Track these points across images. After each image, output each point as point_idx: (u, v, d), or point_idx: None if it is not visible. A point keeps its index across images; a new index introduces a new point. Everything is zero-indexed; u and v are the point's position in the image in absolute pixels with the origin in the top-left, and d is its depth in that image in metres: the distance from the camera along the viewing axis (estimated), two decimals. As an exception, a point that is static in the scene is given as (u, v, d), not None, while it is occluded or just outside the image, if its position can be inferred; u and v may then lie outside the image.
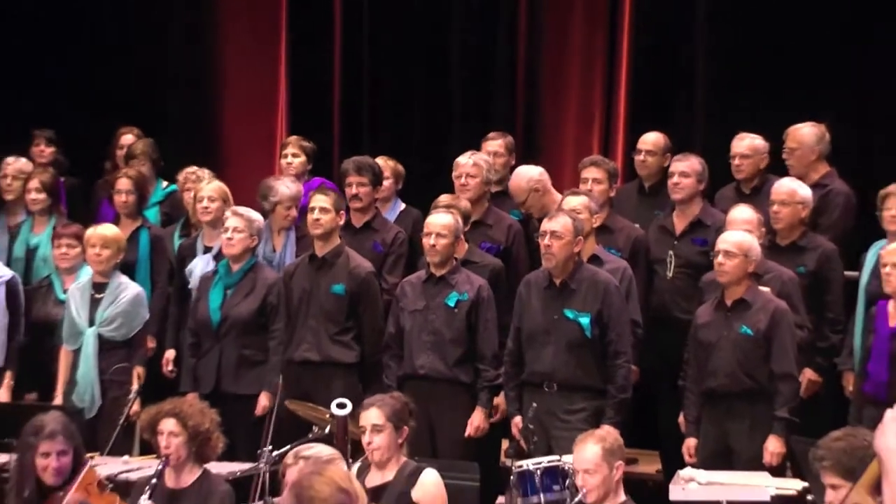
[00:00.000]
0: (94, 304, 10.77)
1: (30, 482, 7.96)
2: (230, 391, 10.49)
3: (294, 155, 12.14)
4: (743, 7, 13.09)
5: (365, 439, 8.23)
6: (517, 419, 9.98)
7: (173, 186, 12.30)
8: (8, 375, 10.89)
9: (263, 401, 10.40)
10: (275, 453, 8.37)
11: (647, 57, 13.63)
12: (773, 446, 9.54)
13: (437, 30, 14.11)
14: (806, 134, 11.23)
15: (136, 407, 10.08)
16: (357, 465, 8.25)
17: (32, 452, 7.92)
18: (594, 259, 10.39)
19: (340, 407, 8.82)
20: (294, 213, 11.23)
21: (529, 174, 11.43)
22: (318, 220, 10.49)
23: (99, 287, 10.81)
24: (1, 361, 10.91)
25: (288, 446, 8.12)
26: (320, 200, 10.54)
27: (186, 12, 14.95)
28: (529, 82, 13.96)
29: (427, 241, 10.27)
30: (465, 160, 11.26)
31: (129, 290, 10.85)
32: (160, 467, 8.31)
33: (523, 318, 10.14)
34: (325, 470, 6.36)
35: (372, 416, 8.20)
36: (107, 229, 10.93)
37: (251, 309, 10.57)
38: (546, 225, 10.05)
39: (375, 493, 7.94)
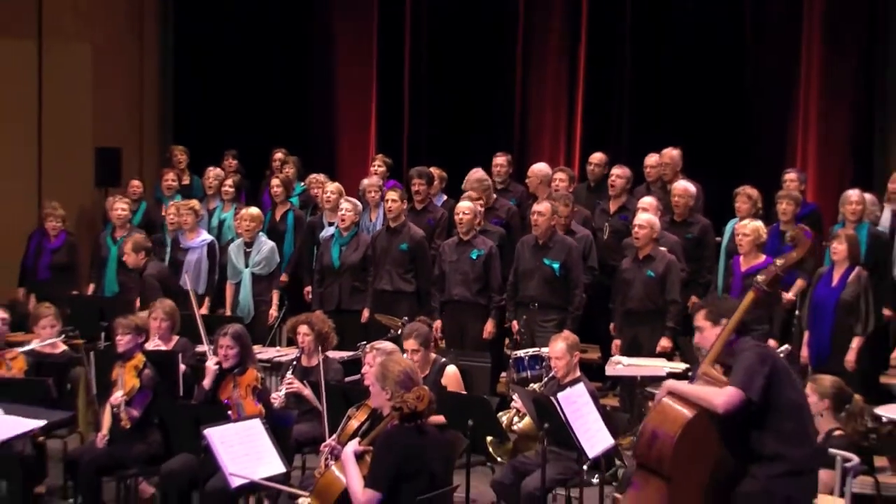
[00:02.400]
0: (246, 255, 10.88)
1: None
2: (346, 308, 10.54)
3: (379, 166, 12.23)
4: (649, 76, 13.13)
5: (407, 357, 8.08)
6: (514, 324, 10.10)
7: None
8: (208, 299, 10.99)
9: (365, 313, 10.49)
10: (368, 346, 8.42)
11: (593, 104, 13.60)
12: (664, 343, 9.65)
13: (469, 84, 14.05)
14: (675, 154, 11.33)
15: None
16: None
17: (216, 345, 7.95)
18: (569, 231, 10.45)
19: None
20: (374, 196, 11.26)
21: (547, 168, 11.48)
22: (391, 207, 10.57)
23: (248, 244, 10.89)
24: (203, 290, 11.01)
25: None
26: (392, 195, 10.61)
27: (317, 79, 14.95)
28: (522, 118, 13.92)
29: (457, 218, 10.35)
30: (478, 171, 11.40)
31: (267, 244, 10.96)
32: (298, 354, 8.49)
33: (519, 263, 10.20)
34: (402, 360, 6.47)
35: (410, 343, 8.11)
36: (252, 210, 11.05)
37: (358, 258, 10.61)
38: (535, 207, 10.22)
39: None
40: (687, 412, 5.84)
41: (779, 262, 6.21)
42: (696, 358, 6.83)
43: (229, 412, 7.50)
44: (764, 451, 5.81)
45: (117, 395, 7.82)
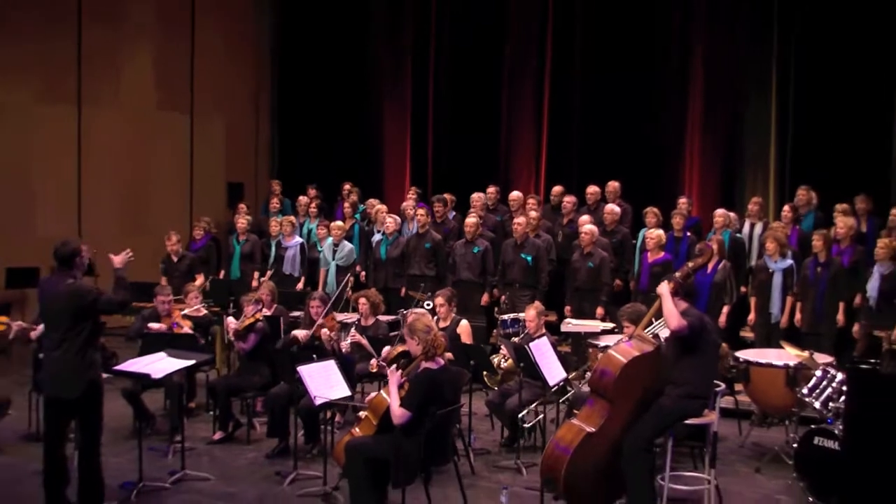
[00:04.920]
0: (334, 252, 10.73)
1: (307, 317, 7.99)
2: (390, 286, 10.43)
3: (412, 194, 12.01)
4: (592, 135, 12.92)
5: (437, 308, 8.16)
6: (502, 297, 9.97)
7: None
8: (302, 280, 10.87)
9: (403, 291, 10.37)
10: (405, 312, 8.32)
11: (552, 152, 13.34)
12: (599, 311, 9.52)
13: (470, 138, 13.76)
14: (616, 185, 11.13)
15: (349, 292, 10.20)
16: (435, 318, 8.19)
17: (308, 305, 7.93)
18: (537, 236, 10.26)
19: (427, 306, 8.91)
20: (410, 212, 11.04)
21: (522, 195, 11.25)
22: (419, 220, 10.49)
23: (336, 245, 10.73)
24: (298, 274, 10.91)
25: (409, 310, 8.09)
26: (421, 212, 10.54)
27: (371, 135, 14.71)
28: (506, 161, 13.66)
29: (466, 228, 10.26)
30: (478, 195, 11.29)
31: (348, 246, 10.77)
32: (359, 316, 8.40)
33: (504, 257, 10.06)
34: (423, 317, 6.40)
35: (439, 300, 8.11)
36: (340, 223, 10.95)
37: (397, 254, 10.51)
38: (515, 220, 10.10)
39: (441, 331, 7.89)
40: (624, 359, 5.87)
41: (690, 264, 6.11)
42: (619, 320, 6.75)
43: (314, 355, 7.48)
44: (677, 379, 5.83)
45: (231, 320, 7.98)
